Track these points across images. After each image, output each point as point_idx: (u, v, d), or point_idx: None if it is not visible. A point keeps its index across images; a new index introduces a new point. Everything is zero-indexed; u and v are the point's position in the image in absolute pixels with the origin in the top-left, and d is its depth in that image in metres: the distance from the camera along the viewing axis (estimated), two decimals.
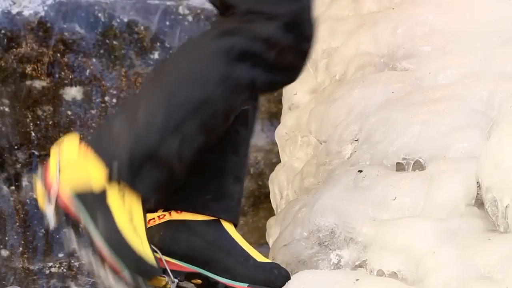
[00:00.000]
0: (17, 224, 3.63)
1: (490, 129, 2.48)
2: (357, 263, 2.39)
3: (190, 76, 2.27)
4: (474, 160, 2.41)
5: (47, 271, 3.62)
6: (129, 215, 2.25)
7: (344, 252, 2.44)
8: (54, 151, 2.28)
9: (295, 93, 3.39)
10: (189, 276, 2.42)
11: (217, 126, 2.31)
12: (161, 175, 2.26)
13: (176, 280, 2.38)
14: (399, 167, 2.58)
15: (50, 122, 3.69)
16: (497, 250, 2.20)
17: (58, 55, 3.71)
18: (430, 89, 2.71)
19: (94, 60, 3.74)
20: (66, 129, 3.69)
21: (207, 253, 2.41)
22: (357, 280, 2.28)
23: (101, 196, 2.22)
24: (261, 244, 3.63)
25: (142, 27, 3.79)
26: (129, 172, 2.22)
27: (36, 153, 3.66)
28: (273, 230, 3.03)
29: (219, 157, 2.45)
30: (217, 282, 2.39)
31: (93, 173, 2.22)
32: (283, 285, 2.38)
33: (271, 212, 3.36)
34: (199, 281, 2.44)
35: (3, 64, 3.66)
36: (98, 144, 2.24)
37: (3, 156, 3.63)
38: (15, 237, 3.61)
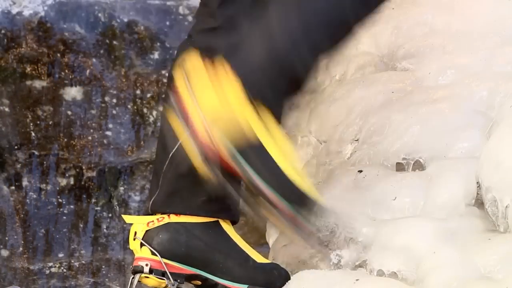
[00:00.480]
0: (17, 224, 3.63)
1: (490, 129, 2.48)
2: (357, 263, 2.39)
3: None
4: (474, 160, 2.41)
5: (47, 271, 3.62)
6: (284, 154, 2.28)
7: (344, 252, 2.44)
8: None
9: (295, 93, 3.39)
10: (189, 278, 2.43)
11: (344, 37, 2.35)
12: (293, 89, 2.32)
13: (176, 283, 2.39)
14: (399, 167, 2.58)
15: (50, 122, 3.69)
16: (497, 250, 2.20)
17: (58, 55, 3.71)
18: (430, 89, 2.71)
19: (94, 60, 3.74)
20: (66, 129, 3.69)
21: (206, 255, 2.41)
22: (357, 280, 2.28)
23: (259, 147, 2.23)
24: (261, 244, 3.63)
25: (142, 27, 3.79)
26: (269, 91, 2.24)
27: (36, 153, 3.67)
28: (273, 230, 3.03)
29: None
30: (216, 284, 2.40)
31: (245, 123, 2.21)
32: (283, 285, 2.40)
33: None
34: (198, 283, 2.44)
35: (3, 64, 3.66)
36: (242, 71, 2.23)
37: (3, 156, 3.64)
38: (15, 237, 3.61)
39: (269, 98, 2.27)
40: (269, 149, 2.26)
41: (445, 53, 2.81)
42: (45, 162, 3.67)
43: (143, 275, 2.43)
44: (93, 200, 3.69)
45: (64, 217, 3.66)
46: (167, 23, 3.80)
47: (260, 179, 2.24)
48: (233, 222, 2.50)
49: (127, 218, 2.52)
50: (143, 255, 2.44)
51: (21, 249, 3.62)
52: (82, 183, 3.70)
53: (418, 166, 2.55)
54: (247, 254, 2.45)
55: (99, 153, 3.72)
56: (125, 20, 3.76)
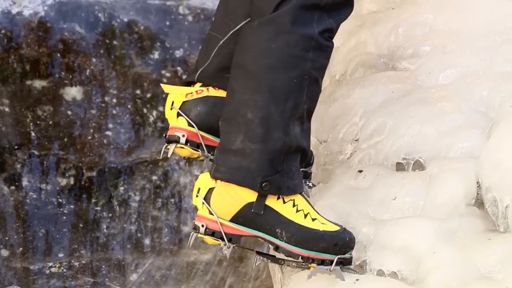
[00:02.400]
0: (17, 224, 3.63)
1: (490, 129, 2.48)
2: (357, 263, 2.39)
3: (278, 64, 2.28)
4: (474, 160, 2.41)
5: (47, 271, 3.62)
6: (291, 204, 2.30)
7: None
8: (194, 195, 2.33)
9: None
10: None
11: (319, 87, 2.35)
12: (298, 160, 2.32)
13: (209, 155, 2.42)
14: (399, 167, 2.58)
15: (50, 122, 3.69)
16: (497, 250, 2.20)
17: (58, 55, 3.71)
18: (430, 89, 2.71)
19: (94, 60, 3.74)
20: (66, 129, 3.69)
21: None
22: (357, 280, 2.28)
23: (260, 203, 2.28)
24: (261, 244, 3.63)
25: (142, 27, 3.79)
26: (280, 183, 2.28)
27: (36, 153, 3.67)
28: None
29: None
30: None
31: (243, 195, 2.28)
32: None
33: None
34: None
35: (3, 64, 3.66)
36: (232, 176, 2.28)
37: (3, 156, 3.64)
38: (15, 237, 3.61)
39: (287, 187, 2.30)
40: (275, 206, 2.29)
41: (445, 53, 2.81)
42: (45, 162, 3.67)
43: (179, 145, 2.47)
44: (93, 200, 3.69)
45: (64, 217, 3.66)
46: (167, 23, 3.80)
47: (272, 238, 2.29)
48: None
49: (165, 88, 2.53)
50: (180, 125, 2.48)
51: (21, 249, 3.62)
52: (82, 183, 3.70)
53: (418, 166, 2.55)
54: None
55: (99, 153, 3.72)
56: (125, 20, 3.76)
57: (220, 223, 2.29)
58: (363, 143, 2.70)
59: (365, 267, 2.37)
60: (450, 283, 2.16)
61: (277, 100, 2.26)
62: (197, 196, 2.31)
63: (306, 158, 2.36)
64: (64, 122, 3.70)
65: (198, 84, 2.53)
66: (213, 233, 2.30)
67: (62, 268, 3.63)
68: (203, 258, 3.73)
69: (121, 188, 3.72)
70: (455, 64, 2.75)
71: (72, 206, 3.67)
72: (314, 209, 2.33)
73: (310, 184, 2.59)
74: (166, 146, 2.51)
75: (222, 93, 2.46)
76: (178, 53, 3.80)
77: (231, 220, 2.30)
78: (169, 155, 2.51)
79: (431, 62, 2.81)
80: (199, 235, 2.32)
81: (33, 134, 3.67)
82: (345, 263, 2.32)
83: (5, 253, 3.60)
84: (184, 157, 2.54)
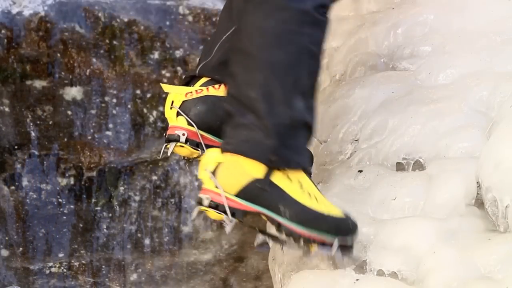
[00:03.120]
0: (17, 224, 3.63)
1: (490, 129, 2.48)
2: (357, 263, 2.39)
3: (275, 40, 2.30)
4: (474, 160, 2.41)
5: (47, 271, 3.62)
6: (298, 184, 2.31)
7: None
8: (201, 169, 2.33)
9: None
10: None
11: (318, 62, 2.37)
12: (305, 136, 2.34)
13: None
14: (399, 167, 2.58)
15: (50, 122, 3.69)
16: (497, 250, 2.20)
17: (58, 55, 3.71)
18: (430, 89, 2.71)
19: (94, 60, 3.74)
20: (66, 129, 3.69)
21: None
22: (357, 280, 2.28)
23: (266, 180, 2.28)
24: (261, 244, 3.63)
25: (142, 27, 3.79)
26: (287, 156, 2.29)
27: (36, 153, 3.67)
28: (273, 230, 3.03)
29: None
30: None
31: (250, 168, 2.28)
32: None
33: None
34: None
35: (3, 64, 3.66)
36: (241, 147, 2.29)
37: (3, 156, 3.64)
38: (15, 237, 3.61)
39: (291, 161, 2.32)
40: (281, 184, 2.30)
41: (445, 53, 2.81)
42: (45, 162, 3.67)
43: (178, 144, 2.48)
44: (93, 200, 3.69)
45: (64, 217, 3.66)
46: (167, 23, 3.80)
47: (274, 214, 2.29)
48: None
49: (165, 87, 2.56)
50: (180, 124, 2.50)
51: (21, 249, 3.62)
52: (82, 183, 3.70)
53: (418, 166, 2.55)
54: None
55: (99, 153, 3.72)
56: (125, 20, 3.76)
57: (225, 197, 2.30)
58: (363, 143, 2.70)
59: (365, 267, 2.37)
60: (450, 283, 2.16)
61: (277, 75, 2.28)
62: (205, 170, 2.32)
63: (311, 136, 2.38)
64: (64, 122, 3.70)
65: (198, 84, 2.54)
66: (216, 206, 2.30)
67: (62, 268, 3.64)
68: (203, 258, 3.73)
69: (121, 188, 3.72)
70: (455, 64, 2.75)
71: (72, 206, 3.67)
72: (319, 191, 2.35)
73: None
74: (166, 145, 2.52)
75: (222, 92, 2.47)
76: (178, 53, 3.80)
77: (237, 195, 2.30)
78: (168, 154, 2.51)
79: (431, 62, 2.81)
80: (202, 208, 2.32)
81: (33, 134, 3.67)
82: (345, 250, 2.31)
83: (5, 253, 3.60)
84: (183, 157, 2.55)
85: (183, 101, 2.51)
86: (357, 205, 2.48)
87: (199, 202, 2.32)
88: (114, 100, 3.75)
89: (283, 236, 2.33)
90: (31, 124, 3.67)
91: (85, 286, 3.64)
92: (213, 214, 2.32)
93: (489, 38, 2.78)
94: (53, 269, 3.63)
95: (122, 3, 3.79)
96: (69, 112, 3.71)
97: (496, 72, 2.65)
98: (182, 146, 2.49)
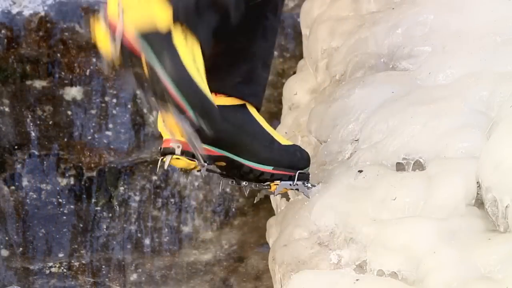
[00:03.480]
0: (17, 224, 3.63)
1: (490, 129, 2.48)
2: (357, 263, 2.39)
3: None
4: (474, 160, 2.41)
5: (47, 271, 3.62)
6: (192, 56, 2.31)
7: (344, 252, 2.44)
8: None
9: (295, 93, 3.39)
10: (216, 159, 2.50)
11: None
12: (219, 20, 2.34)
13: (205, 164, 2.46)
14: (399, 167, 2.58)
15: (50, 122, 3.69)
16: (497, 250, 2.20)
17: (58, 55, 3.71)
18: (430, 89, 2.71)
19: (94, 60, 3.74)
20: (66, 129, 3.69)
21: (234, 137, 2.49)
22: (357, 280, 2.28)
23: (167, 36, 2.26)
24: (261, 244, 3.63)
25: None
26: (193, 14, 2.28)
27: (36, 153, 3.67)
28: (273, 230, 3.03)
29: (250, 41, 2.54)
30: (242, 165, 2.49)
31: (158, 14, 2.25)
32: (305, 167, 2.56)
33: (271, 212, 3.36)
34: (223, 164, 2.53)
35: (3, 64, 3.66)
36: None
37: (3, 156, 3.64)
38: (15, 237, 3.61)
39: (195, 25, 2.30)
40: (179, 46, 2.28)
41: (445, 53, 2.81)
42: (45, 162, 3.67)
43: (174, 156, 2.50)
44: (93, 200, 3.69)
45: (64, 217, 3.66)
46: None
47: (160, 68, 2.27)
48: (258, 109, 2.59)
49: None
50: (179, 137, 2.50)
51: (21, 249, 3.61)
52: (82, 183, 3.70)
53: (418, 166, 2.55)
54: (272, 136, 2.57)
55: (99, 153, 3.72)
56: None
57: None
58: (363, 143, 2.70)
59: (365, 267, 2.37)
60: (450, 283, 2.16)
61: None
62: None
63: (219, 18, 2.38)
64: (64, 122, 3.70)
65: None
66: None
67: (62, 268, 3.63)
68: (203, 258, 3.73)
69: (121, 188, 3.72)
70: (455, 64, 2.75)
71: (72, 206, 3.67)
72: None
73: (309, 185, 2.61)
74: (162, 158, 2.52)
75: (214, 100, 2.47)
76: None
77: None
78: (165, 167, 2.52)
79: (431, 62, 2.81)
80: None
81: (33, 134, 3.67)
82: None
83: (5, 253, 3.60)
84: (180, 169, 2.56)
85: None
86: (357, 205, 2.48)
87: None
88: (114, 100, 3.75)
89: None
90: (31, 124, 3.67)
91: (85, 286, 3.64)
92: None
93: (489, 38, 2.78)
94: (53, 269, 3.63)
95: None
96: (69, 112, 3.71)
97: (496, 72, 2.65)
98: (178, 158, 2.50)
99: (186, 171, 2.57)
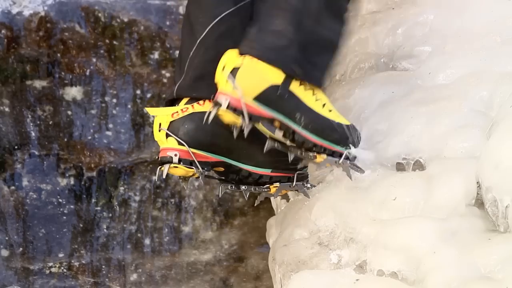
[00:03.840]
0: (17, 224, 3.63)
1: (490, 129, 2.48)
2: (357, 263, 2.39)
3: None
4: (474, 160, 2.41)
5: (47, 271, 3.62)
6: (314, 95, 2.38)
7: (344, 252, 2.44)
8: (219, 70, 2.36)
9: None
10: (213, 165, 2.51)
11: None
12: (329, 57, 2.41)
13: (204, 171, 2.46)
14: (399, 167, 2.58)
15: (50, 122, 3.69)
16: (497, 250, 2.20)
17: (58, 55, 3.71)
18: (430, 89, 2.71)
19: (94, 60, 3.74)
20: (66, 129, 3.69)
21: (230, 142, 2.48)
22: (357, 280, 2.28)
23: (283, 86, 2.33)
24: (261, 244, 3.63)
25: (142, 27, 3.79)
26: (309, 69, 2.35)
27: (36, 153, 3.67)
28: (273, 230, 3.03)
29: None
30: (240, 169, 2.50)
31: (270, 77, 2.32)
32: (302, 170, 2.55)
33: (271, 212, 3.36)
34: (221, 169, 2.53)
35: (3, 64, 3.66)
36: (266, 54, 2.34)
37: (3, 156, 3.64)
38: (15, 237, 3.61)
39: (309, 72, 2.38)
40: (297, 91, 2.35)
41: (445, 53, 2.81)
42: (45, 162, 3.67)
43: (172, 165, 2.49)
44: (93, 200, 3.69)
45: (64, 217, 3.66)
46: (167, 23, 3.80)
47: (290, 121, 2.34)
48: None
49: (151, 111, 2.58)
50: (170, 145, 2.51)
51: (21, 249, 3.61)
52: (82, 183, 3.70)
53: (418, 166, 2.55)
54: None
55: (99, 153, 3.72)
56: (125, 20, 3.76)
57: (243, 101, 2.33)
58: (363, 143, 2.70)
59: (365, 267, 2.37)
60: (450, 283, 2.16)
61: None
62: (222, 71, 2.35)
63: (335, 58, 2.45)
64: (64, 122, 3.70)
65: (183, 102, 2.54)
66: (234, 109, 2.34)
67: (62, 268, 3.63)
68: (203, 258, 3.73)
69: (121, 188, 3.72)
70: (455, 64, 2.75)
71: (72, 206, 3.67)
72: (329, 101, 2.44)
73: (309, 185, 2.61)
74: (160, 168, 2.52)
75: (207, 107, 2.46)
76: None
77: (255, 99, 2.33)
78: (163, 177, 2.52)
79: (431, 62, 2.81)
80: (221, 110, 2.35)
81: (33, 134, 3.67)
82: (351, 159, 2.45)
83: (5, 253, 3.60)
84: (179, 177, 2.56)
85: (171, 122, 2.51)
86: (357, 205, 2.48)
87: (217, 103, 2.34)
88: (114, 100, 3.75)
89: (293, 144, 2.41)
90: (31, 124, 3.67)
91: (85, 286, 3.64)
92: (229, 116, 2.35)
93: (489, 38, 2.78)
94: (53, 269, 3.63)
95: (122, 3, 3.79)
96: (69, 112, 3.71)
97: (496, 72, 2.65)
98: (176, 167, 2.50)
99: (185, 179, 2.57)
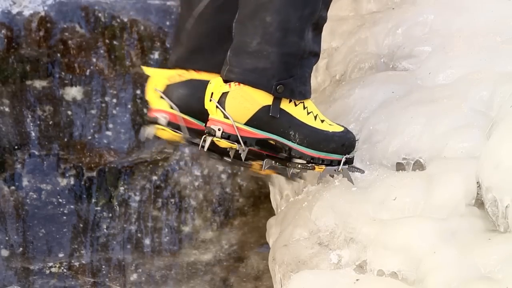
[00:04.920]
0: (17, 224, 3.63)
1: (490, 129, 2.48)
2: (357, 263, 2.39)
3: None
4: (474, 160, 2.41)
5: (47, 271, 3.62)
6: (304, 108, 2.39)
7: (344, 252, 2.44)
8: (207, 99, 2.38)
9: None
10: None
11: None
12: (311, 64, 2.41)
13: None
14: (399, 167, 2.58)
15: (50, 122, 3.69)
16: (497, 250, 2.20)
17: (58, 55, 3.71)
18: (430, 89, 2.71)
19: (94, 60, 3.74)
20: (66, 129, 3.69)
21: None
22: (357, 280, 2.28)
23: (276, 109, 2.35)
24: (261, 244, 3.63)
25: (142, 27, 3.79)
26: (293, 87, 2.36)
27: (36, 153, 3.67)
28: (273, 230, 3.03)
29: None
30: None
31: (258, 99, 2.34)
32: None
33: (271, 212, 3.36)
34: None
35: (3, 64, 3.66)
36: (248, 77, 2.34)
37: (3, 156, 3.64)
38: (15, 237, 3.61)
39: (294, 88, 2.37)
40: (287, 107, 2.36)
41: (445, 53, 2.81)
42: (45, 162, 3.67)
43: (160, 127, 2.53)
44: (93, 200, 3.69)
45: (64, 217, 3.66)
46: (167, 23, 3.80)
47: (285, 140, 2.36)
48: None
49: (147, 70, 2.59)
50: (162, 107, 2.53)
51: (21, 249, 3.62)
52: (82, 183, 3.70)
53: (418, 166, 2.55)
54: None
55: (99, 153, 3.72)
56: (125, 20, 3.76)
57: (236, 126, 2.34)
58: (363, 143, 2.70)
59: (365, 267, 2.37)
60: (450, 283, 2.16)
61: (296, 5, 2.33)
62: (210, 100, 2.35)
63: (316, 62, 2.45)
64: (64, 122, 3.70)
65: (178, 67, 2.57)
66: (228, 137, 2.35)
67: (62, 268, 3.63)
68: (203, 258, 3.73)
69: (121, 188, 3.72)
70: (455, 64, 2.75)
71: (72, 206, 3.67)
72: (319, 111, 2.46)
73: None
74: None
75: (204, 76, 2.49)
76: None
77: (246, 124, 2.36)
78: (150, 137, 2.53)
79: (431, 62, 2.81)
80: (215, 139, 2.37)
81: (33, 134, 3.67)
82: (349, 162, 2.46)
83: (5, 253, 3.60)
84: (167, 141, 2.57)
85: (167, 85, 2.53)
86: (357, 205, 2.48)
87: (210, 133, 2.36)
88: (114, 100, 3.75)
89: (291, 160, 2.43)
90: (31, 124, 3.67)
91: (85, 286, 3.64)
92: (225, 143, 2.37)
93: (489, 38, 2.77)
94: (53, 269, 3.63)
95: (122, 3, 3.79)
96: (69, 112, 3.71)
97: (496, 72, 2.65)
98: (164, 129, 2.51)
99: (172, 143, 2.58)
